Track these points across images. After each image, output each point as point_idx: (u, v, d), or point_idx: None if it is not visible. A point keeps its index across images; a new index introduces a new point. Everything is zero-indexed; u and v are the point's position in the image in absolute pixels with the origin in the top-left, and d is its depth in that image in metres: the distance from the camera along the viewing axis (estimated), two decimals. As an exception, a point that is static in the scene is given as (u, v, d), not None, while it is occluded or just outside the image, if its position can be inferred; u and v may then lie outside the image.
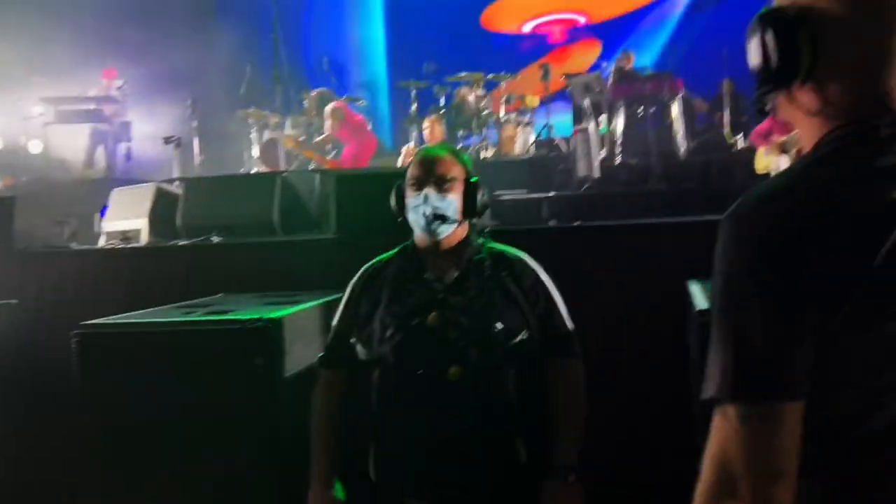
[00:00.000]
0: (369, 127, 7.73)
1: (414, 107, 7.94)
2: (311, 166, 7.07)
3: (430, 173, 1.94)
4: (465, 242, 1.99)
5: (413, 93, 7.95)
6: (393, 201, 2.04)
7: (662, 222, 3.18)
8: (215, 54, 9.19)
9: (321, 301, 2.54)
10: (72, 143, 8.73)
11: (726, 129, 7.13)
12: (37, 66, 9.01)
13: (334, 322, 2.06)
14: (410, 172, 1.98)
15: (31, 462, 2.92)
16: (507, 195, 5.59)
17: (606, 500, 1.95)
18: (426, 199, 1.91)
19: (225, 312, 2.26)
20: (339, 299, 2.67)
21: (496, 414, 1.86)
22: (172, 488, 2.04)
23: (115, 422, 2.13)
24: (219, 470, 2.05)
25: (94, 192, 6.82)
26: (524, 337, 1.89)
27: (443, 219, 1.92)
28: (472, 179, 1.98)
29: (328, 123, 7.23)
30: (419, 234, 1.99)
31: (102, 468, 2.16)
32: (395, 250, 2.06)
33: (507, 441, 1.87)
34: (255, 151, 8.00)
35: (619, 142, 6.84)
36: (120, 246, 3.69)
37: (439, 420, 1.84)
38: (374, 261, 2.07)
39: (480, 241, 2.04)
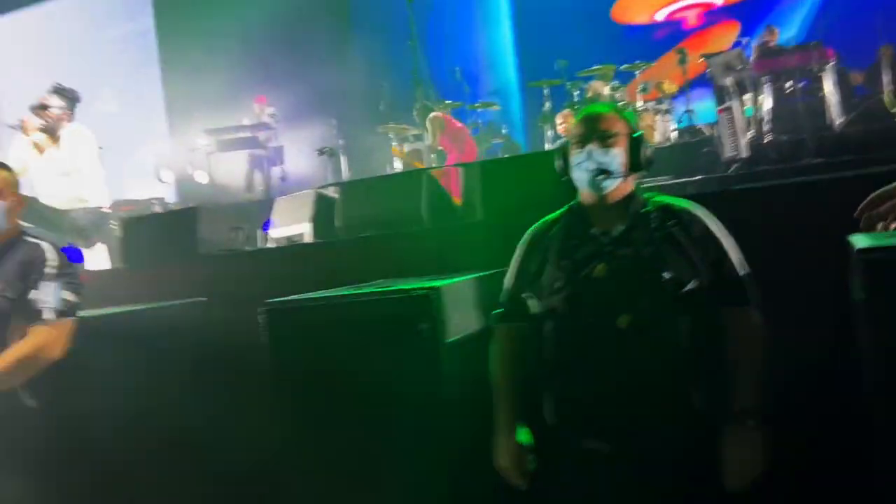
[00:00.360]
0: (468, 134, 7.88)
1: (547, 105, 7.99)
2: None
3: (592, 130, 1.99)
4: (630, 197, 2.03)
5: (545, 91, 8.02)
6: (558, 161, 2.11)
7: (820, 179, 3.05)
8: (355, 73, 9.69)
9: (476, 275, 2.67)
10: (232, 170, 9.57)
11: (887, 97, 6.64)
12: (196, 100, 9.92)
13: (506, 280, 2.17)
14: (573, 131, 2.05)
15: (228, 443, 3.22)
16: (650, 183, 5.50)
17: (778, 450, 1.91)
18: (589, 154, 1.97)
19: (391, 287, 2.44)
20: (493, 275, 2.80)
21: (667, 361, 1.88)
22: (350, 445, 2.23)
23: (300, 387, 2.36)
24: (389, 429, 2.23)
25: (255, 211, 7.45)
26: (694, 286, 1.89)
27: (607, 173, 1.96)
28: (636, 134, 2.02)
29: (430, 134, 7.47)
30: (584, 191, 2.04)
31: (295, 434, 2.38)
32: (562, 210, 2.13)
33: (681, 388, 1.89)
34: (398, 164, 8.36)
35: (766, 119, 6.54)
36: (286, 238, 4.01)
37: (611, 366, 1.89)
38: (541, 221, 2.15)
39: (647, 194, 2.06)
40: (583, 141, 2.00)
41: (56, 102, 4.97)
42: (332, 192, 4.61)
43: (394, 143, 8.16)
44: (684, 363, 1.89)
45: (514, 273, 2.16)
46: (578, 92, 7.98)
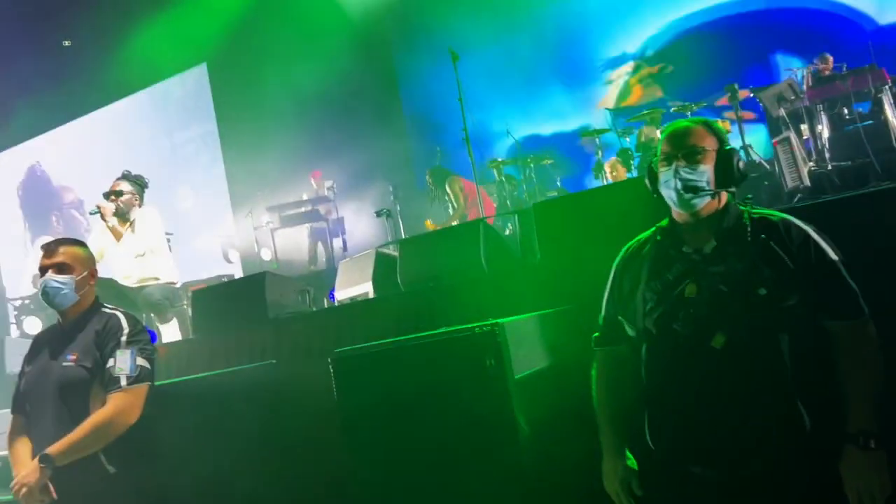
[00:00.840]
0: (483, 193, 8.09)
1: (599, 154, 8.01)
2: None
3: (678, 147, 1.94)
4: (723, 211, 1.94)
5: (597, 142, 8.04)
6: (646, 181, 2.06)
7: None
8: (408, 138, 9.96)
9: (538, 313, 2.66)
10: (296, 244, 9.84)
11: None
12: (256, 179, 10.32)
13: (603, 304, 2.13)
14: (660, 149, 2.00)
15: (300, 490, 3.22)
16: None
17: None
18: (676, 172, 1.91)
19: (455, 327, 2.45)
20: (556, 313, 2.78)
21: (767, 381, 1.81)
22: (426, 481, 2.21)
23: (370, 430, 2.36)
24: (465, 462, 2.20)
25: (322, 277, 7.65)
26: (794, 301, 1.80)
27: (694, 190, 1.90)
28: (726, 148, 1.95)
29: (451, 196, 7.89)
30: (674, 209, 1.98)
31: (370, 475, 2.37)
32: (653, 228, 2.07)
33: (786, 407, 1.80)
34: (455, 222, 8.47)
35: (826, 146, 6.40)
36: (350, 299, 4.08)
37: (708, 388, 1.83)
38: (633, 241, 2.10)
39: (742, 207, 1.97)
40: (668, 159, 1.94)
41: (126, 188, 5.25)
42: (392, 250, 4.70)
43: (428, 219, 8.45)
44: (787, 382, 1.80)
45: (609, 296, 2.12)
46: (629, 139, 7.99)
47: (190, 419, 3.14)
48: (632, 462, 2.04)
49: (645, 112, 7.97)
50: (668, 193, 1.95)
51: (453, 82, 6.66)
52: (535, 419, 2.32)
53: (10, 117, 12.11)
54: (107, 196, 5.23)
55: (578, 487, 2.38)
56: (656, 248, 2.00)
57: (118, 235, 5.21)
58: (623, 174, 6.96)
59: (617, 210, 2.95)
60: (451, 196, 8.02)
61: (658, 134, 7.75)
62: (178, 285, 5.50)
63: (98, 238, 5.25)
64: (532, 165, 8.22)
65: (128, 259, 5.21)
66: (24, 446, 2.67)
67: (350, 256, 7.21)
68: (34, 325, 9.50)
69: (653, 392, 1.96)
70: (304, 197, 9.93)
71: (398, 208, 8.86)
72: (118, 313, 2.81)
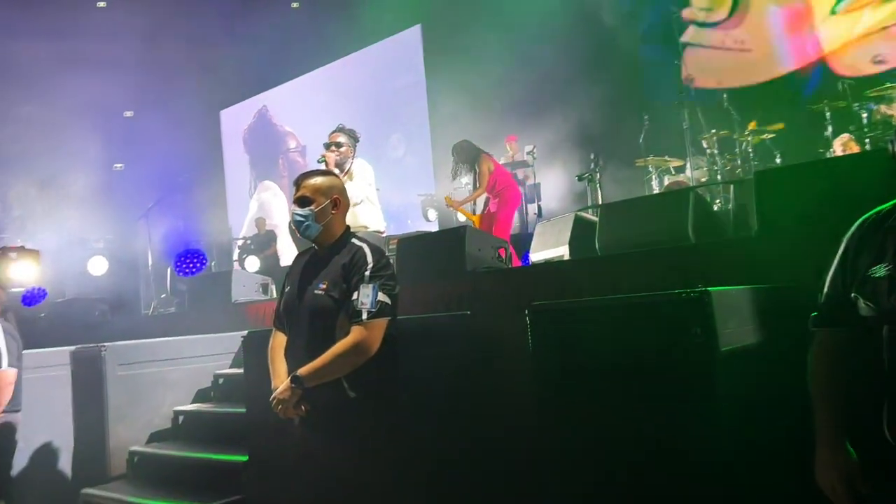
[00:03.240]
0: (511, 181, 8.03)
1: (829, 129, 7.29)
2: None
3: None
4: None
5: (827, 114, 7.32)
6: (890, 147, 1.92)
7: None
8: (613, 109, 9.68)
9: (751, 287, 2.51)
10: (493, 207, 9.98)
11: None
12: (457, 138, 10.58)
13: (827, 279, 1.97)
14: None
15: (486, 441, 3.33)
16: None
17: None
18: None
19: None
20: (769, 289, 2.61)
21: None
22: (614, 443, 2.19)
23: (560, 386, 2.38)
24: (657, 431, 2.16)
25: (513, 244, 7.73)
26: None
27: None
28: None
29: (477, 173, 7.80)
30: None
31: (556, 433, 2.40)
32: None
33: None
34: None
35: None
36: (545, 261, 4.10)
37: None
38: (872, 212, 1.93)
39: None
40: None
41: (343, 140, 5.61)
42: (591, 215, 4.64)
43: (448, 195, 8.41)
44: None
45: (837, 271, 1.94)
46: (866, 115, 7.18)
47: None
48: (853, 455, 1.87)
49: (889, 85, 7.10)
50: None
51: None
52: (738, 397, 2.21)
53: (244, 73, 13.38)
54: (327, 147, 5.63)
55: (782, 475, 2.25)
56: None
57: None
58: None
59: (849, 183, 2.70)
60: (478, 175, 7.82)
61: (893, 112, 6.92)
62: (384, 234, 5.82)
63: None
64: (749, 138, 7.66)
65: (346, 207, 5.60)
66: (281, 362, 2.92)
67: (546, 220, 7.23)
68: (253, 264, 10.54)
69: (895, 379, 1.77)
70: (502, 161, 10.03)
71: (598, 177, 8.69)
72: (364, 246, 2.90)
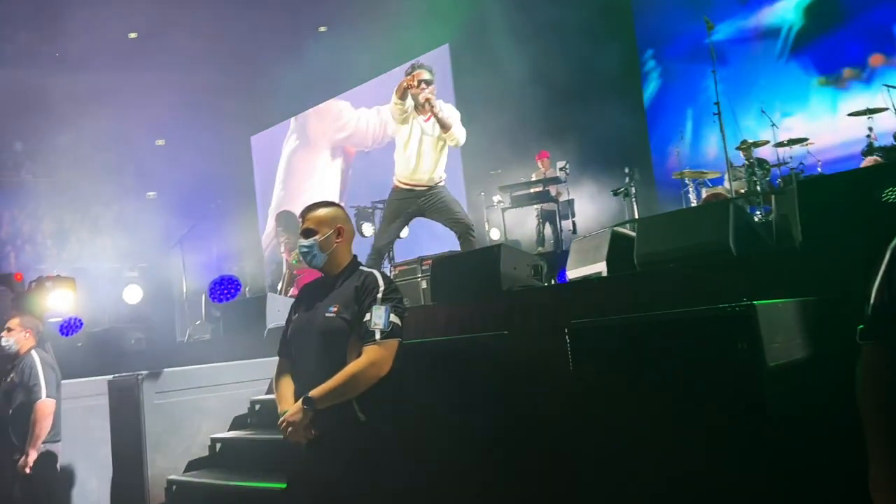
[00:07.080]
0: None
1: (871, 133, 7.09)
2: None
3: None
4: None
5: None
6: None
7: None
8: (644, 123, 9.59)
9: (797, 300, 2.42)
10: (522, 224, 9.92)
11: None
12: (490, 160, 10.53)
13: (873, 291, 1.86)
14: None
15: (532, 456, 3.24)
16: None
17: None
18: None
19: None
20: (816, 301, 2.51)
21: None
22: (658, 464, 2.11)
23: (603, 405, 2.30)
24: (703, 449, 2.08)
25: (552, 257, 7.63)
26: None
27: None
28: None
29: None
30: None
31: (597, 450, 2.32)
32: None
33: None
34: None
35: None
36: (582, 277, 4.02)
37: None
38: None
39: None
40: None
41: (427, 77, 5.23)
42: (628, 230, 4.55)
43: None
44: None
45: (885, 281, 1.83)
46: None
47: (433, 377, 3.29)
48: None
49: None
50: None
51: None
52: (787, 414, 2.11)
53: (273, 98, 13.54)
54: (416, 85, 5.20)
55: (835, 492, 2.15)
56: None
57: None
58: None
59: (897, 192, 2.60)
60: None
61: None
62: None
63: None
64: (789, 148, 7.50)
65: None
66: (288, 387, 2.96)
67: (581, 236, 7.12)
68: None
69: None
70: (533, 177, 9.96)
71: (633, 191, 8.57)
72: (375, 272, 3.01)
